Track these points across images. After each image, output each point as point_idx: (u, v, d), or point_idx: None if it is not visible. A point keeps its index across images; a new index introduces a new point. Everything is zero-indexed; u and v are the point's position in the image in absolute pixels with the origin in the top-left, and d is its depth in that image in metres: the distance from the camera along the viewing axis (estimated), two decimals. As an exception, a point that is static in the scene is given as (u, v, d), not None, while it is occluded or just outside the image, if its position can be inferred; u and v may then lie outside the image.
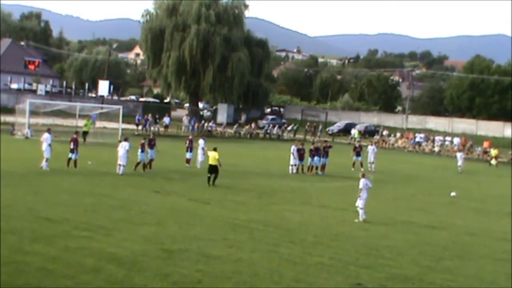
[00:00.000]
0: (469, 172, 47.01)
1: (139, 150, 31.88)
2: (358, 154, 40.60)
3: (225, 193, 26.61)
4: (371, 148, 42.33)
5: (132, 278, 13.36)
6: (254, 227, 19.83)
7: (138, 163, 31.71)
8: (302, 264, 15.69)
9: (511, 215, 26.72)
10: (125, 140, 31.73)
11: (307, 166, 36.62)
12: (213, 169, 28.14)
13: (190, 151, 36.11)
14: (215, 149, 28.84)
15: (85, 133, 45.83)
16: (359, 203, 22.75)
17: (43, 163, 30.14)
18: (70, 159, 30.66)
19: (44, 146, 30.50)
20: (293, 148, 36.53)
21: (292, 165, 36.25)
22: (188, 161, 35.90)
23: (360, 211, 22.70)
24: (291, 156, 36.36)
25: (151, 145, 32.83)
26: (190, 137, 38.29)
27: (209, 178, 28.13)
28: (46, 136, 31.07)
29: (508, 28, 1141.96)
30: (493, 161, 57.17)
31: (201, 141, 35.73)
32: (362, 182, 22.99)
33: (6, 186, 23.70)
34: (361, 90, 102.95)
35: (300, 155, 36.23)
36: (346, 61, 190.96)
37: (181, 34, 73.83)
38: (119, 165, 30.32)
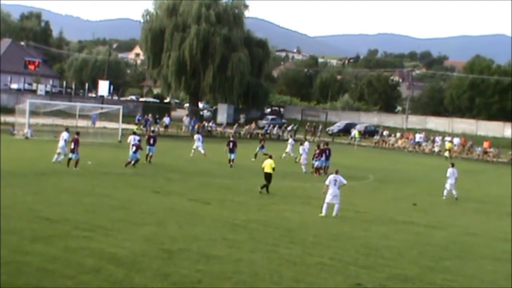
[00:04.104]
0: (468, 172, 47.01)
1: (147, 145, 35.32)
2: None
3: (225, 193, 26.63)
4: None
5: (132, 278, 13.35)
6: (254, 227, 19.83)
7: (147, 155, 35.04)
8: (302, 264, 15.68)
9: (511, 215, 26.76)
10: (134, 133, 36.21)
11: (311, 167, 36.57)
12: (266, 177, 27.30)
13: (231, 152, 37.35)
14: (270, 157, 28.42)
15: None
16: (327, 198, 23.00)
17: (55, 157, 31.60)
18: (70, 159, 30.71)
19: (61, 143, 32.19)
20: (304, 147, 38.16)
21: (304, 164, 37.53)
22: (230, 160, 37.26)
23: (325, 205, 22.99)
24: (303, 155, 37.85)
25: (152, 142, 35.58)
26: (232, 138, 39.24)
27: (264, 186, 27.26)
28: (64, 134, 32.93)
29: (508, 28, 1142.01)
30: (446, 153, 59.74)
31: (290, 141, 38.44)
32: (330, 177, 23.31)
33: (6, 186, 23.70)
34: (361, 90, 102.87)
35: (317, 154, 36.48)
36: (346, 61, 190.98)
37: (181, 34, 73.87)
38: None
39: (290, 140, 46.99)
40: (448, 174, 31.14)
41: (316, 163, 36.38)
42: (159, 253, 15.60)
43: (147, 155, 35.18)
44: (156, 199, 23.97)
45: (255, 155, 41.16)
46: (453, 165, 31.88)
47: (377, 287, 14.28)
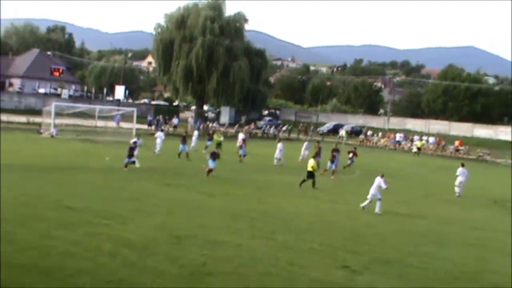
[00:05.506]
0: (443, 168, 47.03)
1: (181, 144, 36.20)
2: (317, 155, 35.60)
3: (228, 187, 26.54)
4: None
5: (145, 261, 13.29)
6: (254, 217, 19.76)
7: (180, 153, 35.85)
8: (296, 249, 15.62)
9: (481, 207, 26.73)
10: (161, 131, 39.98)
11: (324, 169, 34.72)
12: (309, 175, 27.61)
13: (242, 149, 38.63)
14: (314, 157, 29.20)
15: (219, 144, 42.40)
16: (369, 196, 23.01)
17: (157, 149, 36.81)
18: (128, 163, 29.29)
19: (158, 141, 37.51)
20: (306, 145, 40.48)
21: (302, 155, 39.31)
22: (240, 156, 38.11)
23: (366, 202, 22.92)
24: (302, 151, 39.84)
25: (184, 140, 36.40)
26: (243, 136, 40.89)
27: (303, 181, 27.57)
28: (160, 134, 38.82)
29: (477, 41, 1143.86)
30: (415, 149, 60.83)
31: (279, 145, 37.64)
32: (376, 179, 23.09)
33: (34, 179, 23.68)
34: (348, 95, 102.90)
35: (333, 156, 35.09)
36: (335, 69, 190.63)
37: (188, 45, 73.83)
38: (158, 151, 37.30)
39: (242, 136, 46.79)
40: (457, 173, 30.53)
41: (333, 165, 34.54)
42: (169, 239, 15.54)
43: (180, 153, 35.96)
44: (166, 192, 23.88)
45: (206, 147, 41.43)
46: (463, 165, 31.34)
47: (361, 269, 14.21)
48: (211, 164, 29.15)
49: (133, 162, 29.09)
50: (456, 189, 30.27)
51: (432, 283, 13.77)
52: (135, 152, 29.61)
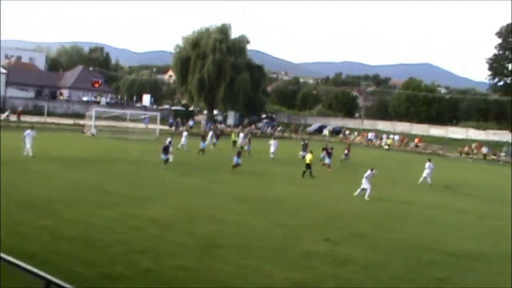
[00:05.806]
0: (405, 160, 47.01)
1: (201, 141, 35.71)
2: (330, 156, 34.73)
3: (232, 175, 26.55)
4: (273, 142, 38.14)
5: (167, 234, 13.36)
6: (254, 200, 19.78)
7: (201, 150, 35.10)
8: (287, 226, 15.65)
9: (437, 191, 26.72)
10: (186, 130, 40.25)
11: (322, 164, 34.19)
12: (307, 166, 27.53)
13: (247, 146, 38.51)
14: (311, 152, 29.29)
15: (234, 142, 42.87)
16: (362, 185, 22.58)
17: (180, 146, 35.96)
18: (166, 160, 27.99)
19: (183, 140, 37.38)
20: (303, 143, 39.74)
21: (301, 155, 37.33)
22: (246, 151, 37.35)
23: (359, 190, 22.47)
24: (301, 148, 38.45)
25: (204, 139, 36.37)
26: (243, 135, 40.82)
27: (304, 172, 27.36)
28: (185, 133, 38.94)
29: (432, 59, 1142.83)
30: (386, 146, 61.48)
31: (274, 142, 37.51)
32: (368, 173, 22.79)
33: (78, 168, 23.70)
34: (330, 101, 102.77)
35: (329, 153, 34.32)
36: (320, 81, 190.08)
37: (201, 62, 73.59)
38: (183, 145, 36.85)
39: (242, 135, 45.56)
40: (426, 166, 29.94)
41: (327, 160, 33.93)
42: (186, 217, 15.60)
43: (201, 149, 35.06)
44: (183, 179, 23.90)
45: (214, 145, 40.89)
46: (430, 160, 30.73)
47: (341, 241, 14.27)
48: (235, 160, 28.92)
49: (167, 159, 27.92)
50: (428, 180, 29.36)
51: (397, 251, 13.84)
52: (170, 149, 29.16)
